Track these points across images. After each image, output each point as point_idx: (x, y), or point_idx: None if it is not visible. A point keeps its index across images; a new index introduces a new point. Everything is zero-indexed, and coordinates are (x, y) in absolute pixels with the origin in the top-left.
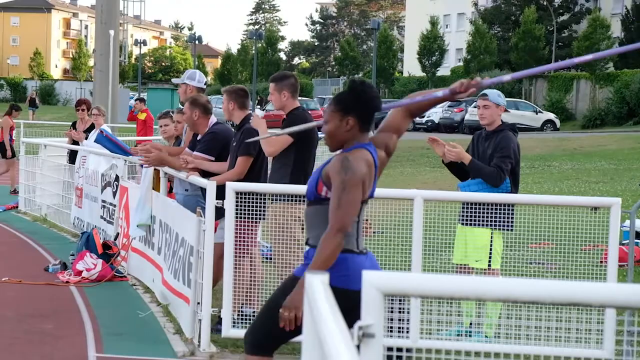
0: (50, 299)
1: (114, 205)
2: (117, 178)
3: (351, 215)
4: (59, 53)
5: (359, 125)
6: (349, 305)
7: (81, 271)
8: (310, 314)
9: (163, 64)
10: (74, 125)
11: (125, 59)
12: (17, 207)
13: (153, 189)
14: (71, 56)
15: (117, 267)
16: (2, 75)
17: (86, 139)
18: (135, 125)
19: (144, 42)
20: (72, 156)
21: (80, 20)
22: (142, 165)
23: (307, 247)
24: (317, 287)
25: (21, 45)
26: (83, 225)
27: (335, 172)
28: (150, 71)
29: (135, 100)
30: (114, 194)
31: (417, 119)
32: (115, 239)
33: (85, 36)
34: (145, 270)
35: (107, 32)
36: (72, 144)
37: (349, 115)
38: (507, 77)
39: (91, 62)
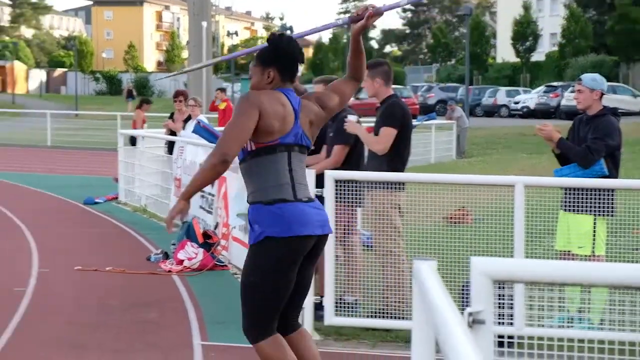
0: (153, 288)
1: (213, 195)
2: None
3: (233, 139)
4: (152, 46)
5: (279, 76)
6: (291, 252)
7: (183, 260)
8: (421, 301)
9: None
10: (171, 116)
11: (217, 50)
12: (117, 197)
13: None
14: (164, 48)
15: (218, 256)
16: (98, 68)
17: (183, 129)
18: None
19: (236, 33)
20: (170, 147)
21: (172, 13)
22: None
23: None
24: (427, 272)
25: (115, 38)
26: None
27: (235, 105)
28: (242, 62)
29: (217, 90)
30: (213, 183)
31: (512, 105)
32: (215, 229)
33: (178, 28)
34: None
35: (199, 24)
36: (170, 134)
37: (269, 68)
38: (403, 0)
39: (184, 54)
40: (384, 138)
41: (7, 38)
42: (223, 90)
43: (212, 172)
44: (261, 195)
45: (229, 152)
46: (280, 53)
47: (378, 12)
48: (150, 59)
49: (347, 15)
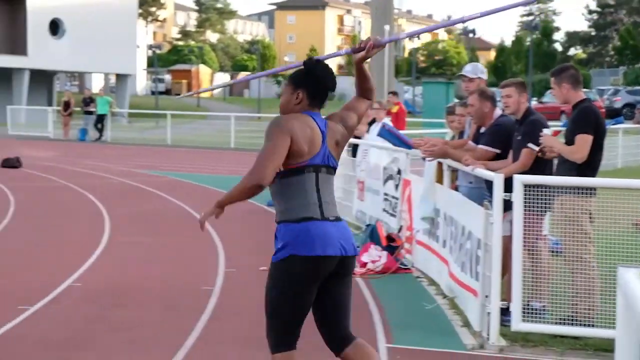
0: None
1: (397, 199)
2: (399, 171)
3: (270, 163)
4: (334, 49)
5: (308, 99)
6: (312, 272)
7: (366, 263)
8: (626, 309)
9: (436, 57)
10: None
11: (399, 53)
12: None
13: (436, 181)
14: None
15: (402, 259)
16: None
17: (367, 132)
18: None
19: (417, 37)
20: (354, 150)
21: (354, 17)
22: (424, 159)
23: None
24: (634, 280)
25: (297, 42)
26: (365, 218)
27: (265, 130)
28: (423, 65)
29: (388, 93)
30: (396, 186)
31: None
32: (398, 232)
33: (359, 32)
34: (430, 262)
35: (381, 28)
36: (354, 137)
37: (299, 89)
38: (402, 34)
39: None
40: (580, 146)
41: (193, 42)
42: (395, 93)
43: (247, 193)
44: (289, 214)
45: (264, 177)
46: (311, 77)
47: (378, 45)
48: (331, 63)
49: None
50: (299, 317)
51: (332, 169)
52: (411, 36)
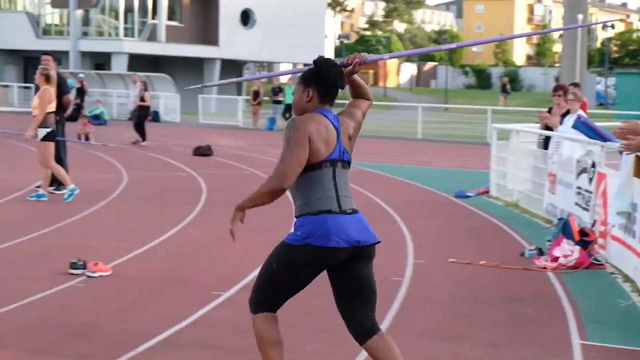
0: (528, 283)
1: (590, 192)
2: (593, 164)
3: (292, 167)
4: (523, 39)
5: (318, 97)
6: (322, 261)
7: (558, 257)
8: None
9: (630, 47)
10: (549, 111)
11: (592, 43)
12: (488, 192)
13: (634, 175)
14: (535, 42)
15: (595, 254)
16: (467, 62)
17: (561, 124)
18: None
19: (612, 26)
20: (546, 142)
21: (544, 6)
22: (620, 152)
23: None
24: None
25: (485, 32)
26: (556, 212)
27: (284, 133)
28: (616, 55)
29: (570, 84)
30: (590, 180)
31: None
32: (592, 226)
33: (549, 21)
34: (626, 259)
35: (574, 17)
36: (545, 129)
37: (309, 87)
38: (386, 55)
39: (556, 48)
40: None
41: (380, 32)
42: (577, 85)
43: (270, 197)
44: (308, 208)
45: (287, 180)
46: (320, 74)
47: (364, 62)
48: (519, 53)
49: None
50: (288, 293)
51: (347, 164)
52: (395, 57)
